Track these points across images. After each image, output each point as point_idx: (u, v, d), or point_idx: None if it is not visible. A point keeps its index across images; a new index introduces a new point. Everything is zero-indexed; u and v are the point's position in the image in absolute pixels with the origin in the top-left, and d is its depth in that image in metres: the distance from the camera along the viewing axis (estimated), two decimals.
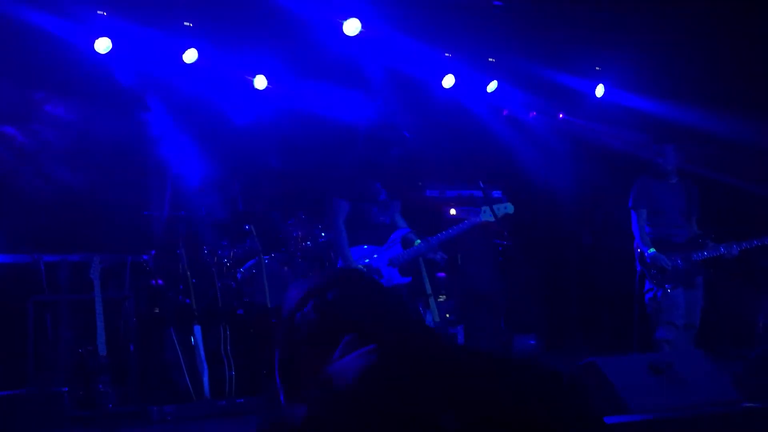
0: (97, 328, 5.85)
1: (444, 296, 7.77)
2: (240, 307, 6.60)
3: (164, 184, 7.38)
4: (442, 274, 7.89)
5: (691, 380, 4.57)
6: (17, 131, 6.90)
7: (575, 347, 8.60)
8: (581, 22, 7.76)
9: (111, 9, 6.65)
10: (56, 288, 6.21)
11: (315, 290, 1.70)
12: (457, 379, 1.54)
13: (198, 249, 6.72)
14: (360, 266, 5.85)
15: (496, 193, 8.22)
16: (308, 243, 7.26)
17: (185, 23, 7.03)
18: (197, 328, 6.15)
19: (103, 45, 6.71)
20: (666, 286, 6.64)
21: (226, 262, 6.84)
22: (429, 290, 6.45)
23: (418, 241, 6.00)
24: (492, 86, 8.55)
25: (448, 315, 7.68)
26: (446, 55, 8.13)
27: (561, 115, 9.43)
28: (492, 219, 6.07)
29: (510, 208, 6.16)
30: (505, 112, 9.15)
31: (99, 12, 6.65)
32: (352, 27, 7.26)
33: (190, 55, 7.13)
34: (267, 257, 6.87)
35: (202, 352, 6.08)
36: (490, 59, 8.37)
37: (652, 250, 6.70)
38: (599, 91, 8.87)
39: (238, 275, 6.87)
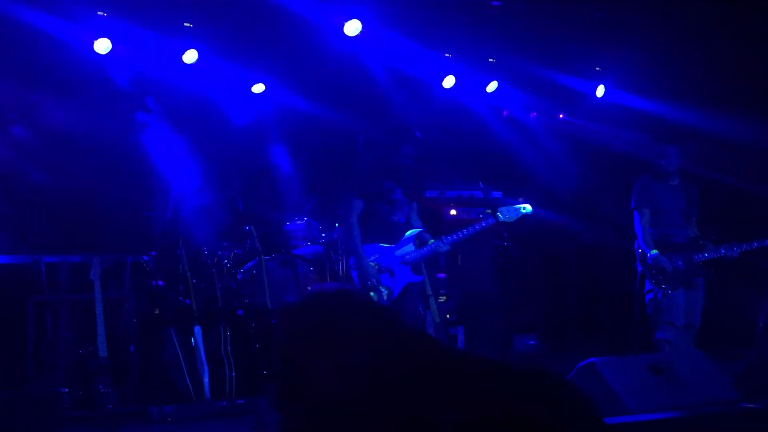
0: (97, 329, 5.86)
1: (444, 297, 7.78)
2: (240, 307, 6.60)
3: (164, 184, 7.38)
4: (442, 275, 7.90)
5: (691, 381, 4.56)
6: (18, 131, 6.90)
7: (575, 348, 8.59)
8: (581, 22, 7.76)
9: (111, 10, 6.65)
10: (56, 288, 6.21)
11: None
12: (456, 379, 1.54)
13: (198, 250, 6.72)
14: (372, 264, 5.89)
15: (496, 194, 8.24)
16: (309, 243, 7.26)
17: (185, 24, 7.03)
18: (197, 329, 6.15)
19: (103, 46, 6.71)
20: (664, 286, 6.64)
21: (226, 263, 6.84)
22: (429, 291, 6.46)
23: (432, 240, 6.04)
24: (492, 87, 8.55)
25: (448, 316, 7.69)
26: (446, 55, 8.13)
27: (561, 116, 9.43)
28: (509, 220, 6.09)
29: (528, 209, 6.17)
30: (505, 113, 9.15)
31: (99, 13, 6.64)
32: (352, 27, 7.26)
33: (190, 56, 7.13)
34: (267, 258, 6.87)
35: (203, 353, 6.08)
36: (490, 59, 8.38)
37: (655, 251, 6.70)
38: (599, 91, 8.87)
39: (239, 276, 6.87)
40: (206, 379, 6.03)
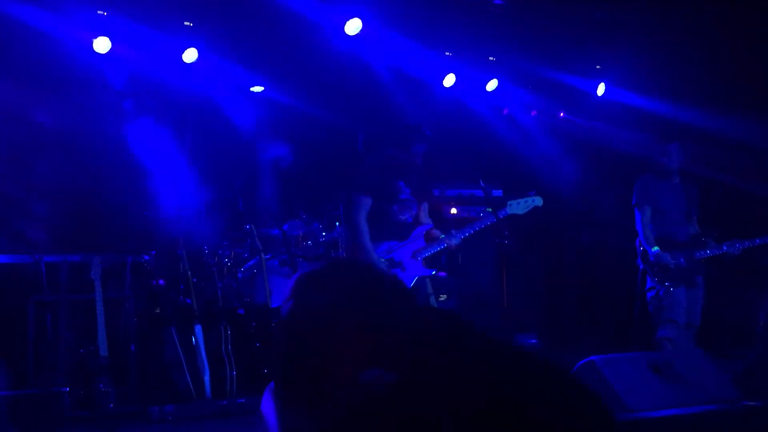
0: (98, 328, 5.86)
1: (444, 296, 7.77)
2: (241, 306, 6.60)
3: (164, 183, 7.38)
4: (442, 274, 7.90)
5: (692, 379, 4.57)
6: (18, 131, 6.90)
7: (575, 346, 8.59)
8: (581, 21, 7.76)
9: (111, 9, 6.64)
10: (56, 288, 6.21)
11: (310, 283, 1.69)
12: (466, 370, 1.53)
13: (199, 249, 6.72)
14: (383, 260, 5.91)
15: (497, 192, 8.24)
16: (309, 242, 7.26)
17: (185, 23, 7.03)
18: (198, 328, 6.15)
19: (102, 45, 6.71)
20: (667, 284, 6.64)
21: (226, 262, 6.84)
22: (430, 290, 6.48)
23: (443, 236, 6.06)
24: (492, 85, 8.55)
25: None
26: (446, 54, 8.13)
27: (561, 114, 9.43)
28: (520, 212, 6.11)
29: (538, 201, 6.17)
30: (505, 111, 9.15)
31: (99, 12, 6.64)
32: (352, 26, 7.26)
33: (190, 55, 7.13)
34: (268, 257, 6.87)
35: (203, 352, 6.08)
36: (491, 58, 8.37)
37: (656, 248, 6.70)
38: (600, 90, 8.87)
39: (239, 275, 6.88)
40: (207, 379, 6.03)
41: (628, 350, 6.66)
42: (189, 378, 5.99)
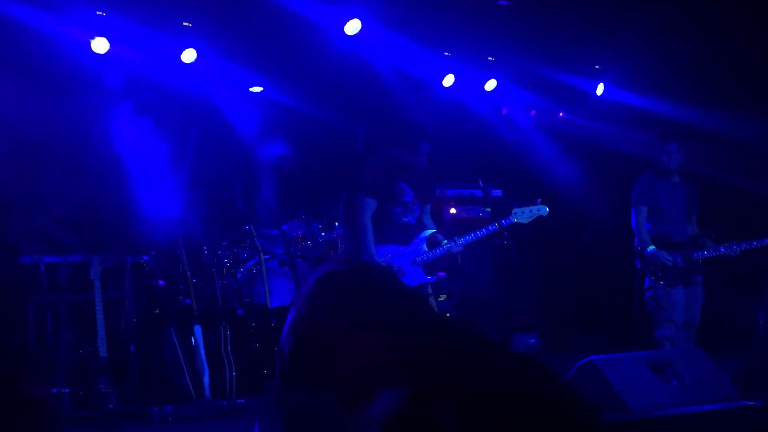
0: (98, 329, 5.85)
1: (444, 296, 7.77)
2: (240, 307, 6.60)
3: (164, 184, 7.38)
4: (442, 274, 7.90)
5: (691, 378, 4.57)
6: (16, 132, 6.90)
7: (575, 346, 8.60)
8: (580, 20, 7.76)
9: (110, 9, 6.64)
10: (56, 288, 6.21)
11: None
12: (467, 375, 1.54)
13: (198, 249, 6.72)
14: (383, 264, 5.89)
15: (496, 192, 8.24)
16: (308, 243, 7.26)
17: (184, 23, 7.03)
18: (197, 328, 6.15)
19: (100, 45, 6.71)
20: (662, 283, 6.64)
21: (226, 262, 6.84)
22: (429, 290, 6.47)
23: (445, 241, 6.04)
24: (490, 85, 8.55)
25: (448, 315, 7.68)
26: (445, 54, 8.13)
27: (561, 114, 9.43)
28: (524, 221, 6.08)
29: (543, 210, 6.14)
30: (504, 111, 9.15)
31: (98, 12, 6.64)
32: (351, 26, 7.26)
33: (189, 55, 7.12)
34: (267, 257, 6.87)
35: (203, 353, 6.08)
36: (490, 58, 8.38)
37: (652, 247, 6.71)
38: (599, 89, 8.87)
39: (239, 275, 6.88)
40: (206, 379, 6.03)
41: (627, 350, 6.67)
42: (188, 378, 5.99)
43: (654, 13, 7.59)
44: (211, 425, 5.73)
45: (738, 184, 8.32)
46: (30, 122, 6.92)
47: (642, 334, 6.92)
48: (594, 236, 9.29)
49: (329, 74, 7.80)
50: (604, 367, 4.41)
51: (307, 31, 7.16)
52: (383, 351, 1.59)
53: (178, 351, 6.05)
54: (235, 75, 7.66)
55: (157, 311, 6.50)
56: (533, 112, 9.25)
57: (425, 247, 6.05)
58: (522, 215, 6.09)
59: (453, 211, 8.36)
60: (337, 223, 7.19)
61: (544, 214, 6.17)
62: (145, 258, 6.59)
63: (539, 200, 6.27)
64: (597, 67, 8.76)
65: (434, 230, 6.18)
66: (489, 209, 8.09)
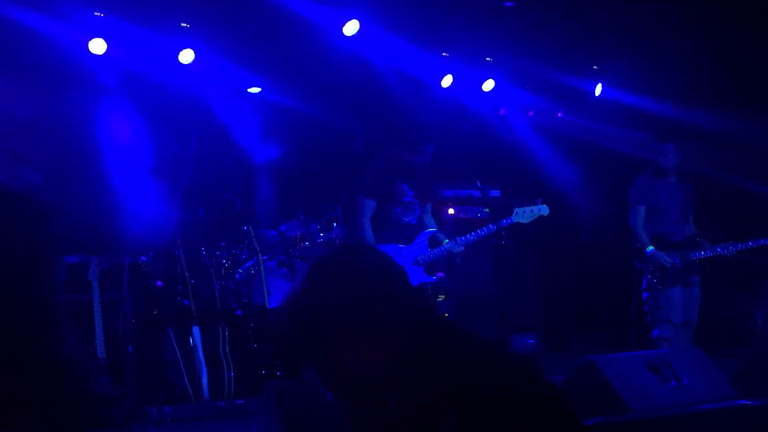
0: (96, 330, 5.84)
1: (443, 296, 7.77)
2: (239, 307, 6.60)
3: (162, 185, 7.38)
4: (441, 274, 7.90)
5: (689, 378, 4.57)
6: (15, 133, 6.89)
7: (574, 346, 8.60)
8: (579, 21, 7.76)
9: (107, 10, 6.64)
10: (54, 289, 6.18)
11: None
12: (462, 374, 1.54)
13: (196, 250, 6.72)
14: None
15: (494, 192, 8.24)
16: (306, 243, 7.26)
17: (182, 24, 7.03)
18: (196, 329, 6.15)
19: (98, 46, 6.70)
20: (655, 281, 6.64)
21: (224, 263, 6.84)
22: (429, 290, 6.48)
23: (446, 241, 6.05)
24: (488, 85, 8.55)
25: (446, 315, 7.68)
26: (443, 54, 8.13)
27: (559, 114, 9.44)
28: (524, 221, 6.09)
29: (545, 210, 6.16)
30: (502, 111, 9.16)
31: (96, 13, 6.64)
32: (349, 27, 7.25)
33: (187, 56, 7.12)
34: (265, 258, 6.87)
35: (201, 353, 6.08)
36: (488, 59, 8.38)
37: (651, 247, 6.71)
38: (597, 90, 8.88)
39: (237, 276, 6.87)
40: (205, 380, 6.03)
41: (626, 350, 6.67)
42: (187, 379, 5.99)
43: (652, 14, 7.60)
44: (209, 426, 5.72)
45: (734, 184, 8.33)
46: (27, 123, 6.92)
47: (641, 334, 6.93)
48: (593, 236, 9.29)
49: (327, 75, 7.80)
50: (603, 366, 4.40)
51: (305, 32, 7.16)
52: (380, 348, 1.59)
53: (176, 352, 6.05)
54: (233, 76, 7.65)
55: (155, 312, 6.50)
56: (531, 113, 9.26)
57: (427, 247, 6.06)
58: (523, 215, 6.11)
59: (451, 211, 8.36)
60: (335, 224, 7.19)
61: (545, 214, 6.19)
62: (143, 259, 6.59)
63: (540, 200, 6.28)
64: (595, 67, 8.77)
65: (435, 230, 6.19)
66: (487, 210, 8.10)
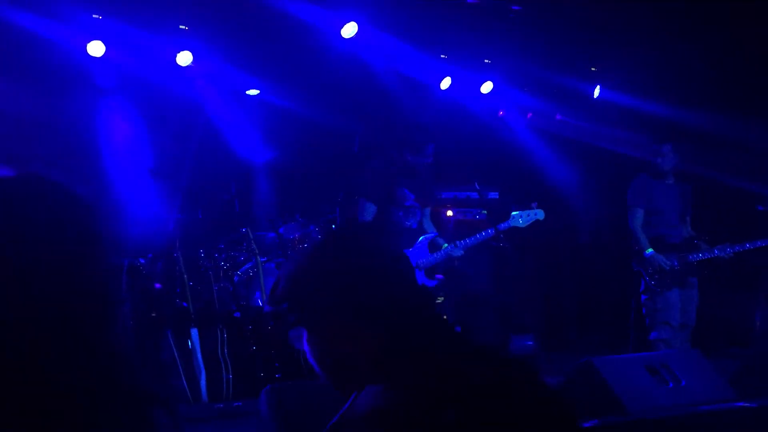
0: None
1: (441, 298, 7.78)
2: (237, 309, 6.60)
3: (161, 187, 7.38)
4: (440, 276, 7.90)
5: (688, 380, 4.57)
6: (14, 133, 6.89)
7: (572, 347, 8.60)
8: (577, 23, 7.77)
9: (106, 12, 6.64)
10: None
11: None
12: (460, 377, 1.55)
13: (194, 252, 6.72)
14: None
15: (493, 194, 8.25)
16: (305, 245, 7.25)
17: (181, 26, 7.03)
18: (194, 331, 6.15)
19: (96, 49, 6.70)
20: (653, 283, 6.65)
21: (222, 265, 6.84)
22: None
23: (446, 245, 6.07)
24: (487, 87, 8.55)
25: (445, 316, 7.68)
26: (442, 56, 8.14)
27: (558, 117, 9.44)
28: (521, 225, 6.14)
29: (540, 214, 6.21)
30: (501, 113, 9.16)
31: (95, 16, 6.64)
32: (348, 30, 7.26)
33: (185, 58, 7.12)
34: (264, 260, 6.86)
35: (199, 355, 6.07)
36: (486, 60, 8.39)
37: (650, 249, 6.71)
38: (596, 92, 8.88)
39: (235, 278, 6.87)
40: (203, 382, 6.02)
41: (625, 351, 6.68)
42: (185, 381, 5.99)
43: (650, 15, 7.61)
44: (207, 428, 5.71)
45: (732, 186, 8.34)
46: (26, 124, 6.92)
47: (638, 336, 6.93)
48: (591, 237, 9.29)
49: (325, 77, 7.81)
50: (601, 368, 4.40)
51: (303, 34, 7.17)
52: (373, 340, 1.60)
53: (174, 354, 6.04)
54: (231, 78, 7.66)
55: (153, 314, 6.50)
56: (530, 115, 9.26)
57: (427, 251, 6.09)
58: (520, 219, 6.14)
59: (450, 213, 8.36)
60: (333, 226, 7.19)
61: (541, 218, 6.22)
62: (142, 261, 6.58)
63: (535, 204, 6.32)
64: (593, 69, 8.77)
65: (435, 234, 6.21)
66: (485, 211, 8.11)
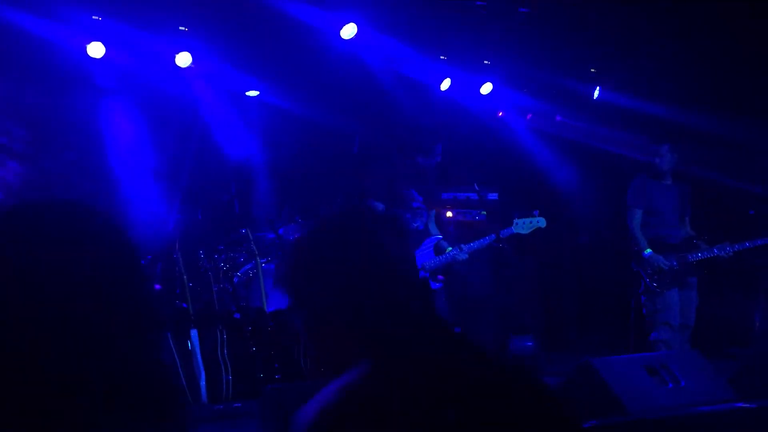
0: None
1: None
2: (237, 310, 6.60)
3: (160, 188, 7.38)
4: (440, 277, 7.90)
5: (687, 380, 4.57)
6: (13, 134, 6.89)
7: (572, 347, 8.61)
8: (576, 24, 7.77)
9: (105, 13, 6.64)
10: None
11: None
12: (455, 377, 1.55)
13: (194, 253, 6.72)
14: None
15: (492, 196, 8.25)
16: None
17: (180, 28, 7.03)
18: (194, 332, 6.15)
19: (96, 50, 6.70)
20: (655, 284, 6.65)
21: (222, 266, 6.83)
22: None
23: (450, 248, 6.09)
24: (486, 88, 8.55)
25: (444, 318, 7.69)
26: (441, 58, 8.14)
27: (557, 117, 9.44)
28: (524, 232, 6.18)
29: (542, 222, 6.25)
30: (500, 114, 9.16)
31: (95, 17, 6.64)
32: (347, 31, 7.26)
33: (185, 59, 7.12)
34: (263, 261, 6.86)
35: (199, 356, 6.07)
36: (486, 62, 8.39)
37: (649, 250, 6.71)
38: (595, 93, 8.88)
39: (235, 279, 6.87)
40: (203, 383, 6.02)
41: (624, 352, 6.67)
42: (185, 382, 5.99)
43: (649, 17, 7.61)
44: (207, 429, 5.71)
45: (730, 185, 8.34)
46: (25, 124, 6.92)
47: (638, 337, 6.93)
48: (591, 238, 9.30)
49: (325, 78, 7.81)
50: (601, 368, 4.40)
51: (302, 35, 7.17)
52: (373, 340, 1.60)
53: (174, 355, 6.04)
54: (231, 79, 7.66)
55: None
56: (529, 116, 9.26)
57: (432, 254, 6.12)
58: (522, 226, 6.18)
59: (449, 214, 8.36)
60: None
61: (542, 226, 6.27)
62: (142, 262, 6.57)
63: (537, 212, 6.36)
64: (593, 70, 8.78)
65: (440, 237, 6.23)
66: (485, 212, 8.12)
